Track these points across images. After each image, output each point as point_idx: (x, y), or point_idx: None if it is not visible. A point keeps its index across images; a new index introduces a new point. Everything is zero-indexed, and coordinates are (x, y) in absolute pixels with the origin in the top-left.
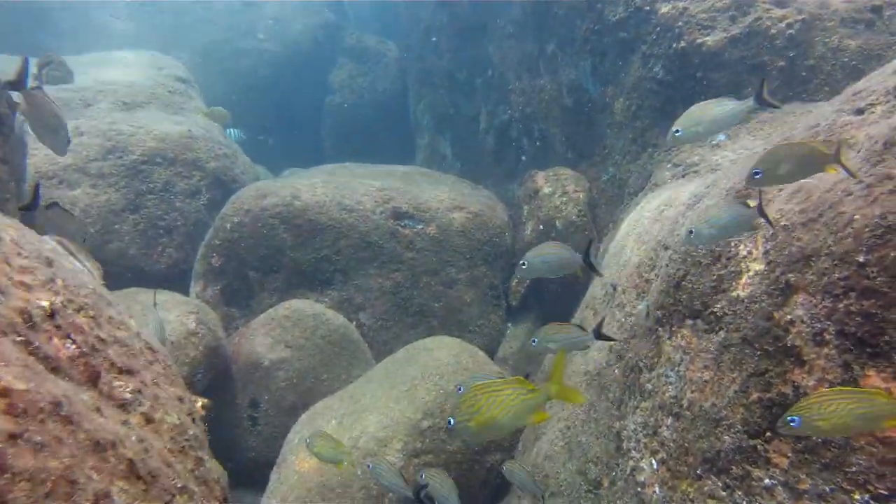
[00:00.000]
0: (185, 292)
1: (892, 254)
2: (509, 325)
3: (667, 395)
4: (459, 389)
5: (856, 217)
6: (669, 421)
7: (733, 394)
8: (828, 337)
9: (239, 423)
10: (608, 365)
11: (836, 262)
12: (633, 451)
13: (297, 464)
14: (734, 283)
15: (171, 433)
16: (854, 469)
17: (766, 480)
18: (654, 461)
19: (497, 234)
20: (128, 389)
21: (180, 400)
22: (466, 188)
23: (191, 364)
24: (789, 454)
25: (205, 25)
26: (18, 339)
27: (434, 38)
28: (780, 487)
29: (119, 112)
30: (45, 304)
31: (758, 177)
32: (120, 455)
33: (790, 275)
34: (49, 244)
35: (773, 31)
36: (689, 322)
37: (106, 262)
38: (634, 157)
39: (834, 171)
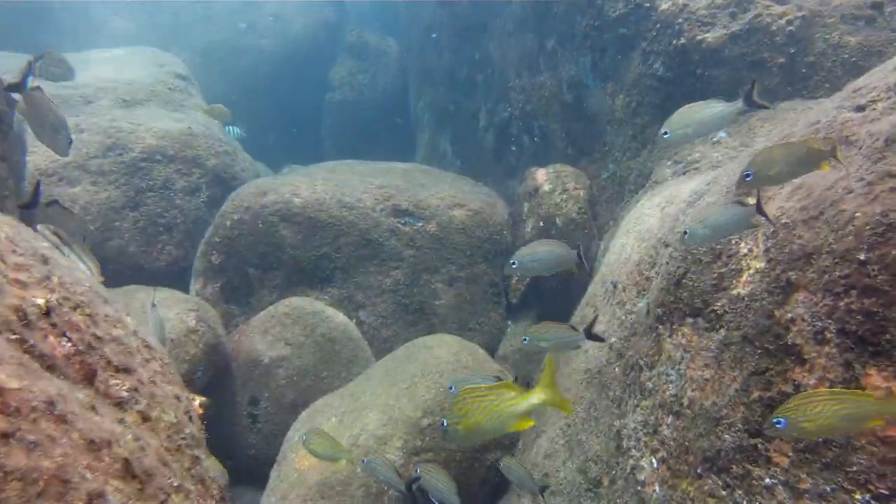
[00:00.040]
0: (185, 290)
1: (893, 252)
2: (509, 322)
3: (667, 393)
4: (451, 388)
5: (857, 215)
6: (670, 419)
7: (734, 392)
8: (829, 335)
9: (239, 420)
10: (608, 363)
11: (837, 260)
12: (634, 450)
13: (297, 461)
14: (735, 281)
15: (167, 431)
16: (855, 468)
17: (767, 479)
18: (654, 460)
19: (497, 232)
20: (124, 387)
21: (177, 398)
22: (467, 185)
23: (191, 362)
24: (790, 453)
25: (205, 23)
26: (13, 337)
27: (434, 36)
28: (780, 487)
29: (119, 109)
30: (41, 301)
31: (748, 179)
32: (115, 454)
33: (791, 273)
34: (45, 241)
35: (773, 27)
36: (690, 320)
37: (106, 259)
38: (635, 154)
39: (827, 168)
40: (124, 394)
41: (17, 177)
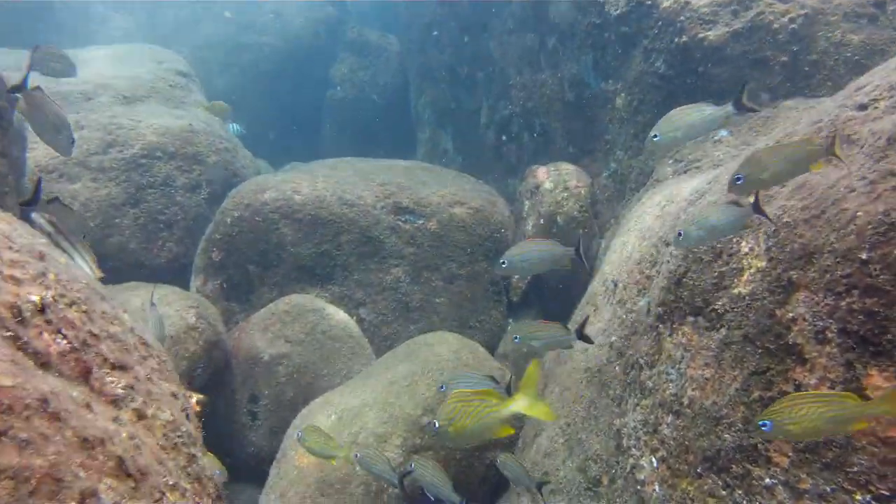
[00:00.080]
0: (186, 286)
1: (895, 251)
2: (510, 320)
3: (667, 392)
4: (442, 388)
5: (858, 214)
6: (670, 419)
7: (734, 392)
8: (830, 335)
9: (239, 418)
10: (609, 362)
11: (838, 260)
12: (634, 449)
13: (296, 459)
14: (736, 280)
15: (163, 429)
16: (855, 469)
17: (767, 479)
18: (654, 459)
19: (498, 230)
20: (120, 385)
21: (174, 396)
22: (467, 183)
23: (190, 359)
24: (790, 453)
25: (205, 20)
26: (7, 334)
27: (435, 33)
28: (780, 487)
29: (119, 106)
30: (36, 298)
31: (739, 182)
32: (109, 452)
33: (792, 272)
34: (42, 238)
35: (775, 25)
36: (691, 319)
37: (106, 256)
38: (636, 153)
39: (820, 168)
40: (120, 391)
41: (17, 173)
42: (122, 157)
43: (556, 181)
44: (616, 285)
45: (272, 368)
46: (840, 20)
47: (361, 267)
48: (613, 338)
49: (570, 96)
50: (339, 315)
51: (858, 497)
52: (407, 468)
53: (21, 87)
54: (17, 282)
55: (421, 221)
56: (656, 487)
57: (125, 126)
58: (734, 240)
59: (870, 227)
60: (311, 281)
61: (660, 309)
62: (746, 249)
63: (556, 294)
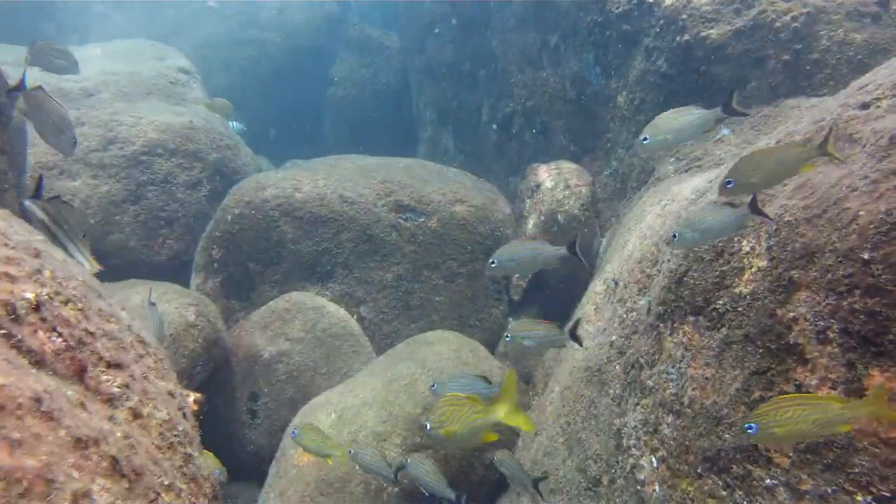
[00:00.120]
0: (186, 284)
1: None
2: (510, 319)
3: (668, 392)
4: (433, 387)
5: (861, 213)
6: (670, 418)
7: (735, 392)
8: (831, 335)
9: (238, 416)
10: (609, 361)
11: (840, 259)
12: (634, 449)
13: (296, 458)
14: (737, 280)
15: (159, 429)
16: (857, 470)
17: (768, 480)
18: (654, 459)
19: (499, 228)
20: (115, 384)
21: (171, 395)
22: (468, 181)
23: (190, 357)
24: (791, 454)
25: (206, 17)
26: (0, 332)
27: (437, 31)
28: (781, 488)
29: (120, 102)
30: (31, 296)
31: (730, 186)
32: (103, 452)
33: (793, 271)
34: (39, 235)
35: (777, 24)
36: (691, 318)
37: (106, 253)
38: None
39: (811, 169)
40: (115, 390)
41: (17, 170)
42: (123, 154)
43: (557, 180)
44: (617, 284)
45: (272, 366)
46: (842, 19)
47: (362, 265)
48: (614, 337)
49: (572, 94)
50: (339, 313)
51: (860, 498)
52: (403, 464)
53: (20, 87)
54: (12, 279)
55: (422, 219)
56: (656, 487)
57: (126, 123)
58: (735, 239)
59: (872, 226)
60: (311, 279)
61: (660, 308)
62: (747, 248)
63: (557, 292)
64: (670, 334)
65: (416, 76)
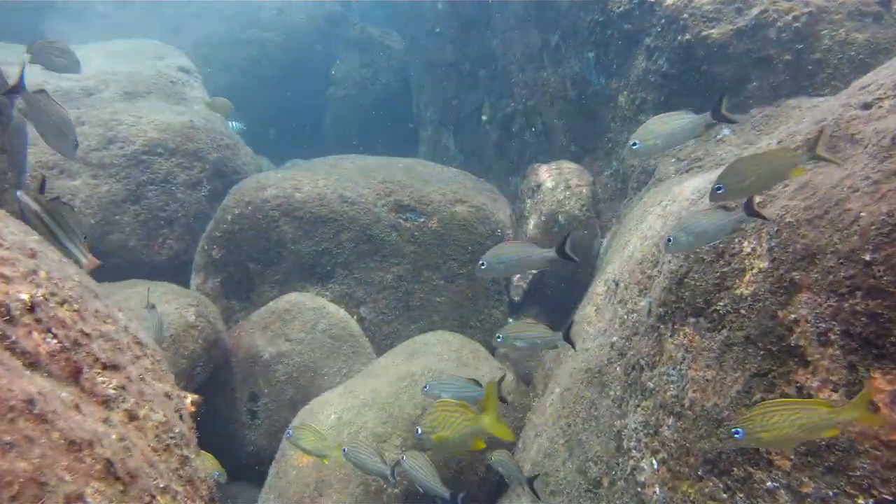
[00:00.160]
0: (186, 284)
1: None
2: (511, 320)
3: (668, 394)
4: (425, 388)
5: (862, 214)
6: (671, 420)
7: (736, 394)
8: (832, 337)
9: (238, 417)
10: (610, 362)
11: (841, 261)
12: (634, 451)
13: (295, 459)
14: (737, 281)
15: (155, 431)
16: (858, 473)
17: (769, 483)
18: (654, 461)
19: (499, 228)
20: (111, 385)
21: (168, 396)
22: (469, 181)
23: (190, 357)
24: (792, 457)
25: (207, 16)
26: None
27: (438, 30)
28: (782, 490)
29: (120, 102)
30: (25, 296)
31: (720, 192)
32: (97, 455)
33: (794, 273)
34: (35, 235)
35: (779, 23)
36: (692, 320)
37: (106, 253)
38: None
39: (801, 173)
40: (111, 392)
41: (17, 169)
42: (123, 154)
43: (558, 180)
44: (617, 285)
45: (272, 367)
46: (844, 18)
47: (362, 265)
48: (614, 338)
49: (573, 94)
50: (339, 314)
51: (861, 501)
52: (399, 461)
53: (18, 88)
54: (7, 280)
55: (422, 219)
56: (657, 489)
57: (126, 122)
58: (736, 240)
59: (873, 227)
60: (311, 279)
61: (661, 309)
62: (748, 250)
63: (558, 293)
64: (671, 336)
65: (417, 75)
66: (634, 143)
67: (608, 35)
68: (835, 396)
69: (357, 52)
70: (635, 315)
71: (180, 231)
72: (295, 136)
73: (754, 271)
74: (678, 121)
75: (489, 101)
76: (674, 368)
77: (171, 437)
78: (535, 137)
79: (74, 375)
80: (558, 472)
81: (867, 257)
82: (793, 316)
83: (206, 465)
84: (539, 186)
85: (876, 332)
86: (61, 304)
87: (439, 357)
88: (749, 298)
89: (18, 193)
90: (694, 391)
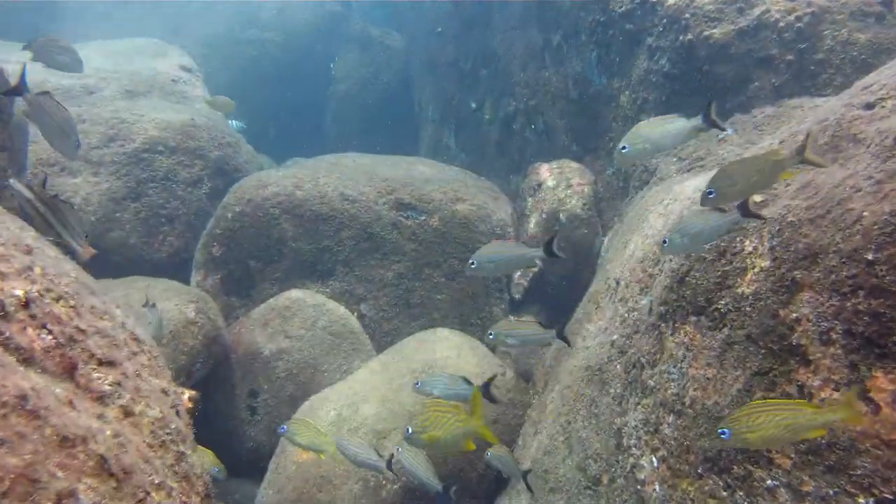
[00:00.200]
0: (186, 281)
1: None
2: (511, 318)
3: (669, 392)
4: (417, 385)
5: (865, 214)
6: (671, 418)
7: (736, 392)
8: (834, 336)
9: (238, 413)
10: (610, 360)
11: (843, 260)
12: (634, 448)
13: (295, 455)
14: (739, 280)
15: (151, 427)
16: (859, 472)
17: (769, 481)
18: (654, 459)
19: (500, 227)
20: (106, 382)
21: (164, 392)
22: (470, 180)
23: (190, 353)
24: (792, 455)
25: (207, 15)
26: None
27: (439, 29)
28: (782, 489)
29: (122, 100)
30: (20, 292)
31: (711, 196)
32: (90, 451)
33: (796, 272)
34: (31, 231)
35: (781, 23)
36: (693, 318)
37: (107, 250)
38: None
39: (790, 176)
40: (107, 388)
41: (17, 167)
42: (124, 152)
43: (559, 178)
44: (618, 283)
45: (272, 364)
46: (847, 19)
47: (362, 263)
48: (615, 336)
49: (574, 94)
50: (339, 311)
51: (861, 500)
52: (393, 453)
53: (20, 90)
54: (2, 276)
55: (423, 217)
56: (656, 487)
57: (127, 120)
58: (738, 239)
59: (876, 227)
60: (311, 276)
61: (662, 308)
62: (750, 248)
63: (559, 291)
64: (672, 334)
65: (418, 74)
66: (623, 147)
67: (610, 35)
68: (836, 395)
69: (357, 51)
70: (636, 313)
71: (181, 228)
72: (296, 135)
73: (756, 270)
74: (668, 125)
75: (490, 99)
76: (674, 366)
77: (167, 434)
78: (536, 136)
79: (69, 371)
80: (558, 469)
81: (870, 257)
82: (794, 315)
83: (204, 462)
84: (540, 185)
85: (878, 331)
86: (57, 300)
87: (439, 354)
88: (750, 297)
89: (12, 181)
90: (694, 389)
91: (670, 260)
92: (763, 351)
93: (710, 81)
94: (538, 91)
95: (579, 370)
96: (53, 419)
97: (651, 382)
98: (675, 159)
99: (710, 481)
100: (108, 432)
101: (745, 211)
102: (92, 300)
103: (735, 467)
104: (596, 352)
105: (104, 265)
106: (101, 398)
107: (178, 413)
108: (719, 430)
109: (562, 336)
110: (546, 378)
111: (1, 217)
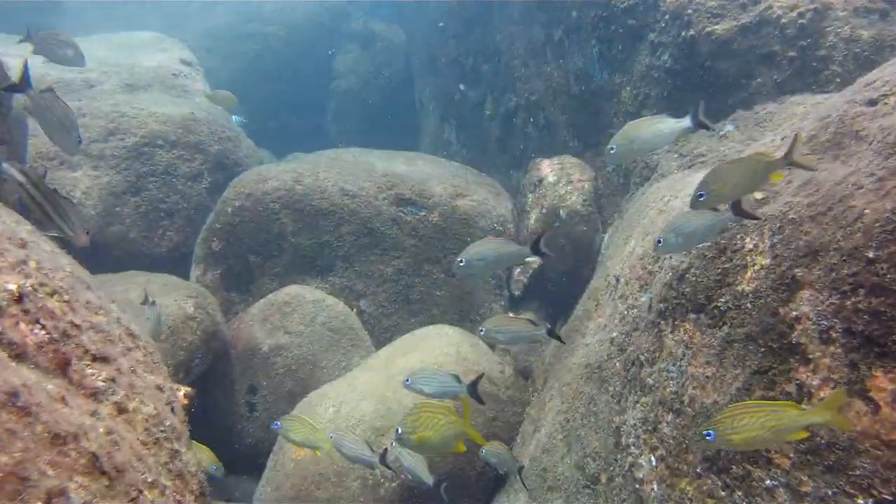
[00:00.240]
0: (186, 276)
1: None
2: (511, 315)
3: (668, 390)
4: (407, 382)
5: (866, 211)
6: (670, 417)
7: (736, 391)
8: (834, 335)
9: (237, 409)
10: (609, 358)
11: (844, 258)
12: (633, 447)
13: (293, 451)
14: (739, 278)
15: (145, 424)
16: (858, 472)
17: (768, 481)
18: (653, 458)
19: (500, 223)
20: (100, 378)
21: (159, 389)
22: (470, 175)
23: (188, 349)
24: (791, 455)
25: (209, 10)
26: None
27: (441, 25)
28: (781, 489)
29: (122, 94)
30: (13, 287)
31: (702, 199)
32: (82, 448)
33: (797, 270)
34: (27, 225)
35: (784, 20)
36: (692, 316)
37: (106, 244)
38: None
39: (780, 178)
40: (100, 384)
41: (17, 160)
42: (124, 146)
43: (560, 174)
44: (618, 280)
45: (271, 359)
46: (849, 15)
47: (362, 258)
48: (614, 333)
49: (576, 89)
50: (338, 307)
51: (860, 501)
52: (387, 448)
53: (23, 86)
54: None
55: (423, 213)
56: (655, 486)
57: (127, 114)
58: (738, 236)
59: (877, 225)
60: (311, 272)
61: (661, 305)
62: (750, 246)
63: (559, 288)
64: (671, 332)
65: (420, 70)
66: (612, 148)
67: (612, 30)
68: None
69: (359, 46)
70: (635, 311)
71: (181, 223)
72: (297, 130)
73: (756, 268)
74: (656, 125)
75: (492, 95)
76: (674, 365)
77: (162, 431)
78: (537, 132)
79: (62, 367)
80: (557, 467)
81: (870, 255)
82: (794, 313)
83: (199, 459)
84: (541, 181)
85: (878, 330)
86: (51, 294)
87: (438, 351)
88: (750, 295)
89: (4, 165)
90: (694, 388)
91: (670, 257)
92: (762, 349)
93: (712, 77)
94: (539, 86)
95: (578, 368)
96: (45, 416)
97: (650, 381)
98: (675, 156)
99: (709, 481)
100: (101, 429)
101: (738, 210)
102: (87, 295)
103: (734, 467)
104: (595, 349)
105: (104, 259)
106: (95, 394)
107: (173, 410)
108: (704, 432)
109: (552, 333)
110: (545, 375)
111: None
